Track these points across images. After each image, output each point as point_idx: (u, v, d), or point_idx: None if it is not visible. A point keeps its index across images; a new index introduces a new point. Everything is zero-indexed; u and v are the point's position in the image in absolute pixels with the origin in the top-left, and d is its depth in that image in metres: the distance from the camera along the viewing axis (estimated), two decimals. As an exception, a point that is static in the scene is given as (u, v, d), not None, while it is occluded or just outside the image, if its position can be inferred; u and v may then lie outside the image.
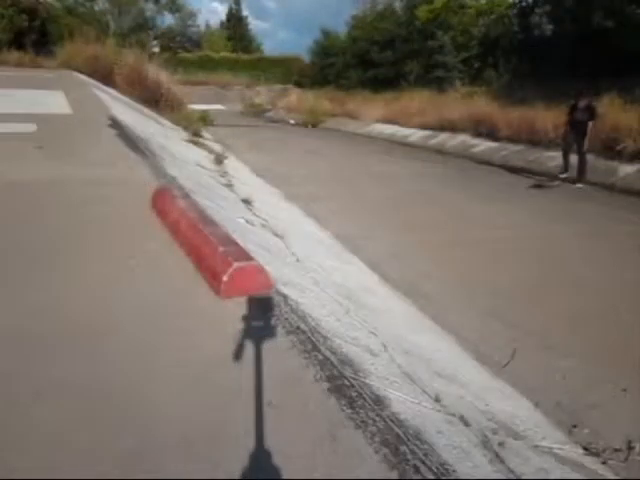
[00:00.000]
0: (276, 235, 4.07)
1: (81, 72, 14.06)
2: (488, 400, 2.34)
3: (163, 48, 35.50)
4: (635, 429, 2.36)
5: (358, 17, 26.71)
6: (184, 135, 9.37)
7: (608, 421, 2.46)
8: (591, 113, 8.44)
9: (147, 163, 5.05)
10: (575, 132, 8.59)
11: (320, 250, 4.49)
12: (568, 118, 8.83)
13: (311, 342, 2.12)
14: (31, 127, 6.30)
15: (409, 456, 1.53)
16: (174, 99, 12.07)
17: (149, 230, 3.29)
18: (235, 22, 45.78)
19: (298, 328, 2.22)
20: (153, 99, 11.62)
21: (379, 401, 1.80)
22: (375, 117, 17.45)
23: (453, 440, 1.74)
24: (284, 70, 33.78)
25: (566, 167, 8.69)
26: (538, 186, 8.45)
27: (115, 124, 6.95)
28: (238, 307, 2.35)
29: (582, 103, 8.50)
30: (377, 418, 1.69)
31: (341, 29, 28.37)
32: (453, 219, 6.19)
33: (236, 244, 2.71)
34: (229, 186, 5.76)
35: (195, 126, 10.46)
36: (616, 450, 2.23)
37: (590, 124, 8.38)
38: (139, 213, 3.57)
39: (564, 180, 8.59)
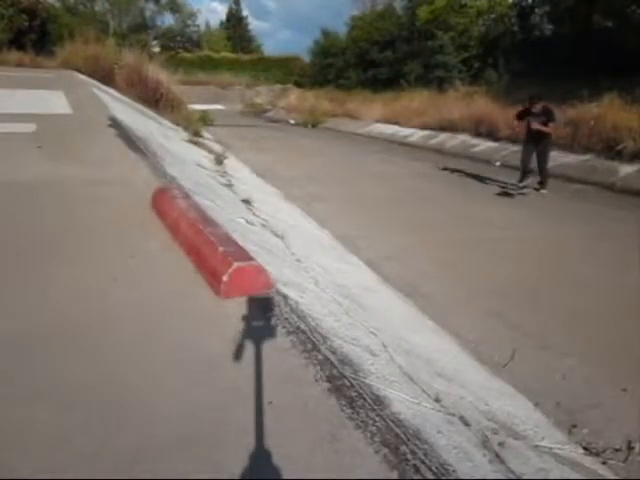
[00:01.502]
0: (276, 235, 4.07)
1: (81, 72, 14.08)
2: (488, 400, 2.34)
3: (163, 48, 35.58)
4: (635, 429, 2.36)
5: (358, 17, 26.72)
6: (184, 135, 9.37)
7: (608, 421, 2.46)
8: (548, 116, 7.70)
9: (147, 163, 5.05)
10: (533, 140, 7.85)
11: (320, 250, 4.49)
12: (516, 119, 8.16)
13: (311, 342, 2.12)
14: (31, 127, 6.30)
15: (409, 456, 1.53)
16: (174, 99, 12.06)
17: (149, 230, 3.29)
18: (235, 22, 45.82)
19: (298, 328, 2.22)
20: (153, 99, 11.61)
21: (379, 401, 1.80)
22: (375, 117, 17.46)
23: (453, 440, 1.74)
24: (284, 70, 33.80)
25: (523, 176, 8.01)
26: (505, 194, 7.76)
27: (115, 124, 6.95)
28: (238, 307, 2.35)
29: (536, 108, 7.70)
30: (377, 418, 1.69)
31: (341, 29, 28.41)
32: (453, 219, 6.19)
33: (236, 244, 2.71)
34: (229, 186, 5.77)
35: (195, 126, 10.46)
36: (616, 450, 2.23)
37: (550, 126, 7.69)
38: (139, 213, 3.57)
39: (522, 188, 7.85)
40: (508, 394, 2.57)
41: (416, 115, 15.39)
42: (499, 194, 7.75)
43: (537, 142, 7.81)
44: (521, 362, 2.93)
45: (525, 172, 7.98)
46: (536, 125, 7.67)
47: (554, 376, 2.82)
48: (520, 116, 8.09)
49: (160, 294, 2.46)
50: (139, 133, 6.87)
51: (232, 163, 8.10)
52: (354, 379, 1.90)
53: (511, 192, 7.77)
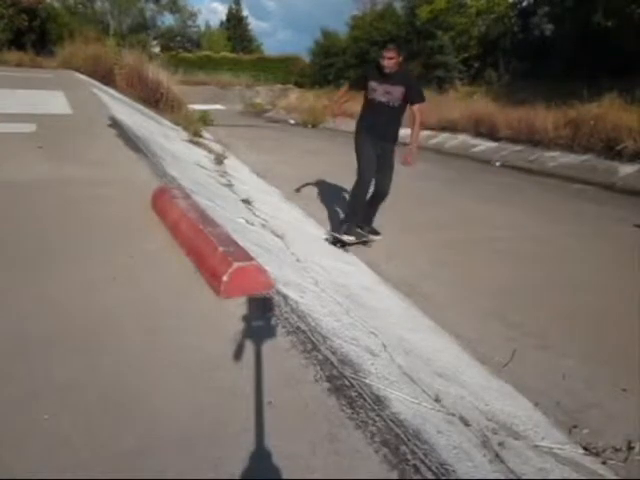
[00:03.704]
0: (276, 235, 4.07)
1: (81, 72, 14.10)
2: (488, 400, 2.34)
3: (163, 48, 35.64)
4: (635, 429, 2.36)
5: (358, 17, 26.77)
6: (184, 135, 9.36)
7: (608, 421, 2.45)
8: (410, 89, 4.16)
9: (147, 163, 5.05)
10: (378, 135, 4.37)
11: (320, 250, 4.49)
12: (345, 92, 4.68)
13: (311, 342, 2.12)
14: (31, 127, 6.30)
15: (409, 456, 1.53)
16: (174, 99, 12.06)
17: (149, 230, 3.29)
18: (235, 22, 45.94)
19: (298, 328, 2.22)
20: (153, 99, 11.62)
21: (379, 401, 1.80)
22: (375, 117, 17.42)
23: (453, 440, 1.73)
24: (284, 70, 33.86)
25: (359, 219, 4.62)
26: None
27: (115, 124, 6.95)
28: (238, 307, 2.35)
29: (391, 66, 4.05)
30: (377, 418, 1.69)
31: (341, 29, 28.49)
32: (453, 219, 6.18)
33: (236, 244, 2.71)
34: (229, 186, 5.76)
35: (195, 126, 10.45)
36: (616, 450, 2.22)
37: (414, 109, 4.22)
38: (139, 213, 3.57)
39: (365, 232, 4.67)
40: (508, 394, 2.57)
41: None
42: (332, 242, 4.67)
43: (384, 138, 4.41)
44: (521, 362, 2.93)
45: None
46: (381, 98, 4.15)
47: (554, 376, 2.82)
48: (355, 87, 4.57)
49: (160, 294, 2.46)
50: (139, 133, 6.87)
51: (232, 163, 8.10)
52: (354, 379, 1.90)
53: (345, 240, 4.59)
